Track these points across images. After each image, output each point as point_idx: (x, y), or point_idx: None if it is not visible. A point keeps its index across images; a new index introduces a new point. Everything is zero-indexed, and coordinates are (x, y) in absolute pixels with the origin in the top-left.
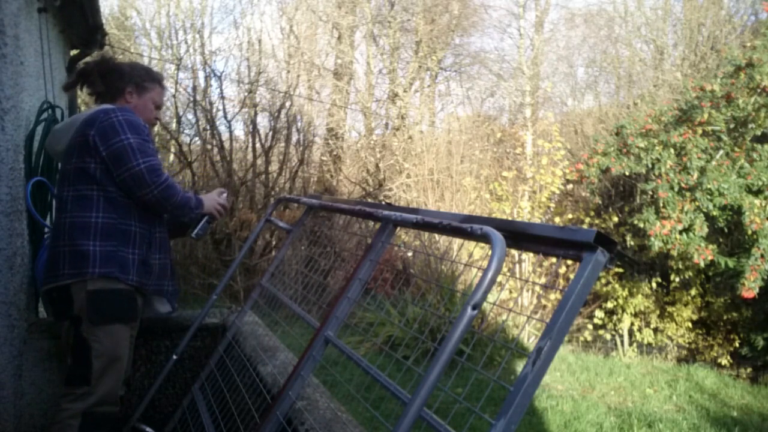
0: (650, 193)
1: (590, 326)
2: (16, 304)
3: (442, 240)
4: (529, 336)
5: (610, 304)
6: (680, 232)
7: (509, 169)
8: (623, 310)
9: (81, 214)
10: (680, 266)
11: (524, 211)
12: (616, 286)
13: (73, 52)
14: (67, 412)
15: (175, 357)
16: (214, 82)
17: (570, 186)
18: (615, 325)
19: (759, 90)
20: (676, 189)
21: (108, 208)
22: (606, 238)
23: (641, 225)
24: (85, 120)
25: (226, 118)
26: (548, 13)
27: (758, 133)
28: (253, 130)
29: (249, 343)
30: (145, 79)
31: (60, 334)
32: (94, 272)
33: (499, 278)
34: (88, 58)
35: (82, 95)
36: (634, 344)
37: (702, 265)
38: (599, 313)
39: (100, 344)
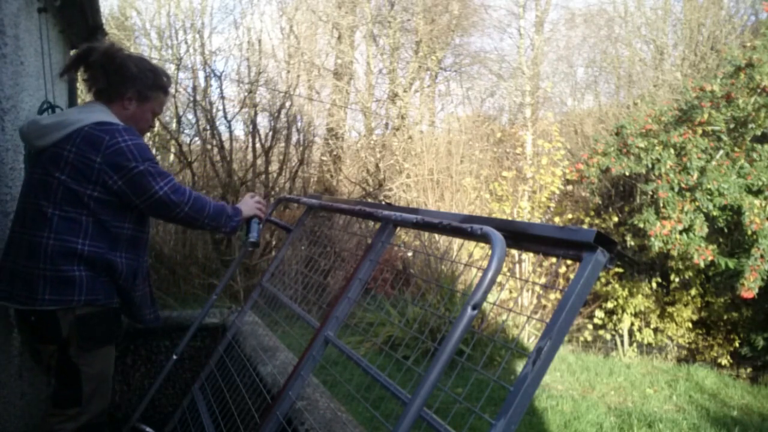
0: (650, 193)
1: (590, 326)
2: None
3: (442, 240)
4: (529, 336)
5: (610, 304)
6: (680, 233)
7: (509, 169)
8: (623, 310)
9: (67, 239)
10: (680, 266)
11: (524, 211)
12: (616, 286)
13: (73, 52)
14: None
15: (175, 357)
16: (214, 82)
17: (570, 186)
18: (615, 325)
19: (759, 90)
20: (676, 189)
21: (96, 236)
22: (606, 238)
23: (641, 225)
24: (88, 137)
25: (226, 118)
26: (548, 13)
27: (758, 133)
28: (253, 130)
29: (249, 343)
30: (150, 86)
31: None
32: (80, 300)
33: (499, 278)
34: (95, 44)
35: (82, 95)
36: (634, 344)
37: (702, 265)
38: (599, 313)
39: (90, 367)
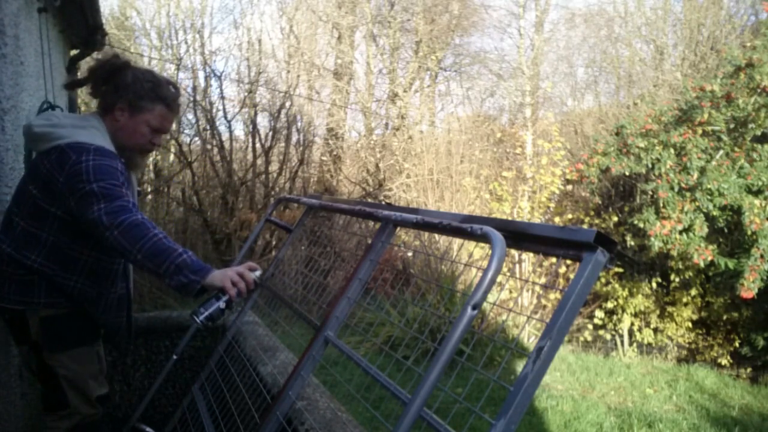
0: (650, 193)
1: (590, 326)
2: None
3: (442, 240)
4: (529, 336)
5: (610, 304)
6: (680, 233)
7: (509, 169)
8: (623, 310)
9: (23, 252)
10: (680, 266)
11: (524, 211)
12: (616, 286)
13: (73, 52)
14: (55, 431)
15: (175, 357)
16: (214, 82)
17: (570, 186)
18: (615, 325)
19: (759, 90)
20: (676, 189)
21: (50, 256)
22: (606, 238)
23: (641, 225)
24: (60, 154)
25: (226, 118)
26: (548, 13)
27: (758, 133)
28: (253, 130)
29: (249, 343)
30: (145, 96)
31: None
32: (40, 302)
33: (499, 278)
34: (99, 56)
35: (82, 95)
36: (634, 344)
37: (702, 265)
38: (599, 313)
39: (66, 370)
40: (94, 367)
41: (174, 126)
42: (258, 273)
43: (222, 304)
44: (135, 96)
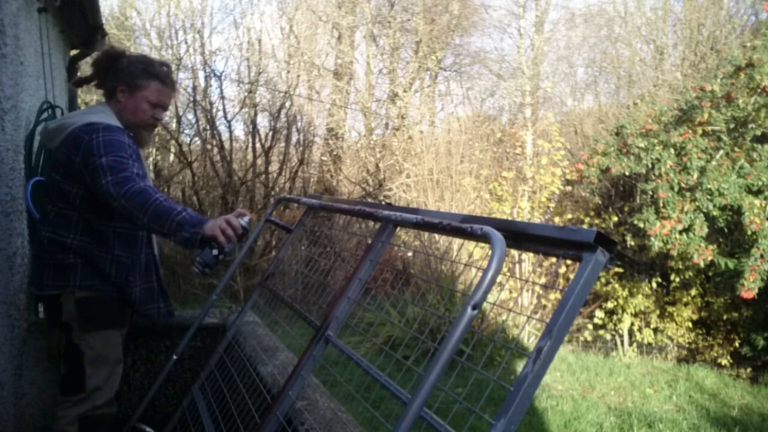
0: (650, 193)
1: (590, 326)
2: (16, 304)
3: (442, 240)
4: (529, 336)
5: (610, 304)
6: (680, 232)
7: (509, 169)
8: (623, 310)
9: (60, 233)
10: (680, 266)
11: (524, 211)
12: (616, 286)
13: (73, 52)
14: (64, 419)
15: (175, 357)
16: (214, 82)
17: (570, 186)
18: (615, 325)
19: (759, 90)
20: (676, 189)
21: (85, 232)
22: (606, 238)
23: (641, 225)
24: (74, 138)
25: (226, 118)
26: (548, 13)
27: (758, 133)
28: (253, 130)
29: (249, 343)
30: (139, 75)
31: (51, 341)
32: (76, 284)
33: (499, 278)
34: (98, 52)
35: (82, 95)
36: (634, 344)
37: (702, 265)
38: (599, 313)
39: (92, 350)
40: (119, 352)
41: (174, 126)
42: (246, 219)
43: (214, 252)
44: (131, 77)
